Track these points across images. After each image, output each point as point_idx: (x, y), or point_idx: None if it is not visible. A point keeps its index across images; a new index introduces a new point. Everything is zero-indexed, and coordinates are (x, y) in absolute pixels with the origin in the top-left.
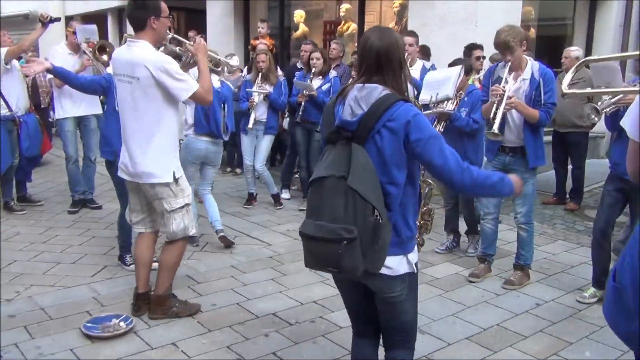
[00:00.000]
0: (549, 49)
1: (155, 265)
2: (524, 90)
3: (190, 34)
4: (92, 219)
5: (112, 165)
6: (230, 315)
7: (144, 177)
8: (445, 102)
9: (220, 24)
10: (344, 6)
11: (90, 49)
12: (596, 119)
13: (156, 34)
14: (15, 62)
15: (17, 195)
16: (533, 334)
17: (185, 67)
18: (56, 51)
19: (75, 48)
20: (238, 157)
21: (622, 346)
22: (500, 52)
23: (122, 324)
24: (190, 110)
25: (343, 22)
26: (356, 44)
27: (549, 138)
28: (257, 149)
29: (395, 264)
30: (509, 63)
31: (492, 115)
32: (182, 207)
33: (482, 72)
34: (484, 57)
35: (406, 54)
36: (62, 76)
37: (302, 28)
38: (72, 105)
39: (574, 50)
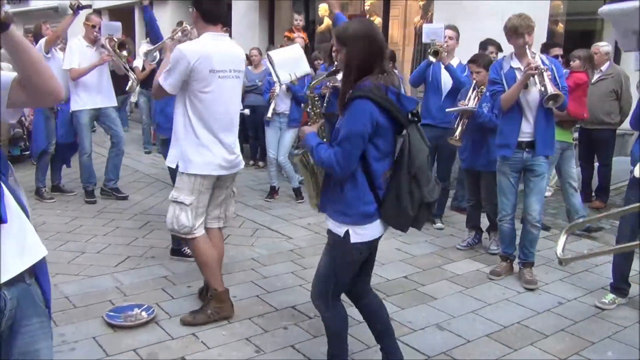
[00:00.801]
0: (578, 44)
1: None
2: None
3: None
4: (117, 209)
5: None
6: (250, 307)
7: (240, 164)
8: (467, 99)
9: (245, 19)
10: (369, 0)
11: (111, 44)
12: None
13: None
14: (55, 51)
15: (51, 185)
16: (554, 333)
17: None
18: (74, 44)
19: (93, 41)
20: (261, 150)
21: None
22: (519, 34)
23: (143, 313)
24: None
25: (368, 15)
26: None
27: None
28: (281, 142)
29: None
30: (526, 48)
31: (539, 87)
32: None
33: None
34: (497, 53)
35: (445, 45)
36: None
37: (327, 22)
38: (88, 98)
39: (604, 46)
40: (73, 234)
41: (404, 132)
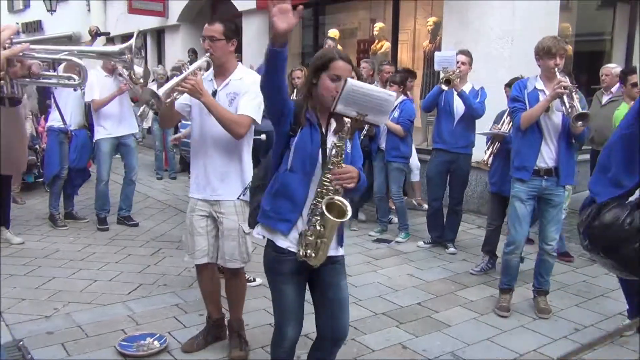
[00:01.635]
0: (587, 65)
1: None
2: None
3: None
4: (129, 236)
5: None
6: (262, 335)
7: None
8: (501, 123)
9: (256, 43)
10: (378, 25)
11: (127, 73)
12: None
13: None
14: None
15: (64, 212)
16: None
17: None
18: (93, 75)
19: (110, 70)
20: None
21: None
22: (552, 55)
23: (156, 343)
24: None
25: (377, 40)
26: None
27: (586, 157)
28: None
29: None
30: (556, 70)
31: (567, 106)
32: None
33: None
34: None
35: (457, 71)
36: None
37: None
38: (112, 126)
39: (614, 67)
40: (86, 262)
41: None
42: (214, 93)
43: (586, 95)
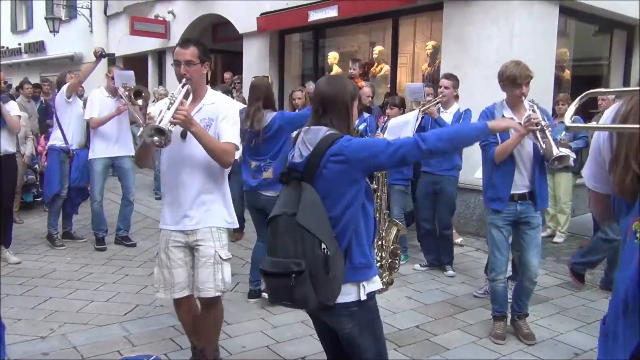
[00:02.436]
0: (585, 89)
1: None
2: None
3: (226, 75)
4: (127, 256)
5: None
6: (259, 358)
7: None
8: None
9: (256, 65)
10: (377, 48)
11: (127, 94)
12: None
13: None
14: (77, 98)
15: (62, 231)
16: None
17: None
18: (95, 94)
19: (113, 92)
20: None
21: None
22: (517, 84)
23: None
24: None
25: (376, 63)
26: (389, 85)
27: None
28: None
29: (344, 290)
30: (522, 99)
31: (541, 143)
32: None
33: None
34: None
35: (440, 96)
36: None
37: (336, 69)
38: (106, 146)
39: None
40: (82, 282)
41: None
42: None
43: (584, 119)
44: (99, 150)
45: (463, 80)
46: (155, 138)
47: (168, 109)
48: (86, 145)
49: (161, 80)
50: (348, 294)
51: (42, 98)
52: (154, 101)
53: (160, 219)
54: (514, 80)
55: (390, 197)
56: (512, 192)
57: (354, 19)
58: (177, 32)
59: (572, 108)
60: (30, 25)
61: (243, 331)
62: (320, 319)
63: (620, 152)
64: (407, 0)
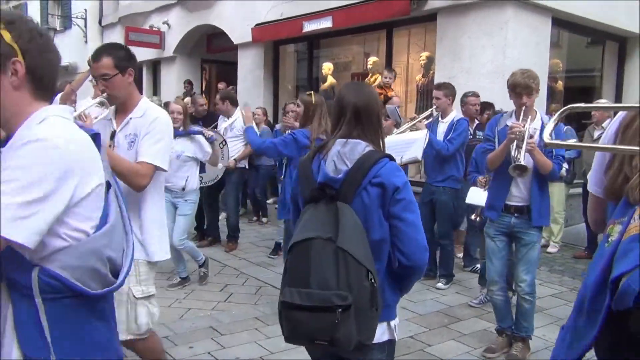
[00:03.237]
0: (578, 100)
1: None
2: (535, 140)
3: (220, 85)
4: None
5: None
6: None
7: None
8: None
9: (251, 75)
10: (372, 59)
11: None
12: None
13: None
14: (70, 107)
15: None
16: None
17: None
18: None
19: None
20: (262, 207)
21: None
22: (517, 93)
23: None
24: None
25: (370, 74)
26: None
27: (579, 190)
28: None
29: (379, 331)
30: (522, 109)
31: (513, 153)
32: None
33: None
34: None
35: (434, 107)
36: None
37: (330, 80)
38: None
39: (605, 103)
40: None
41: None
42: (113, 135)
43: (577, 130)
44: None
45: (457, 91)
46: None
47: None
48: None
49: (156, 91)
50: (382, 333)
51: None
52: None
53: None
54: (513, 89)
55: None
56: (508, 202)
57: (348, 30)
58: (172, 42)
59: (551, 124)
60: None
61: (237, 342)
62: (323, 354)
63: (617, 156)
64: (401, 11)
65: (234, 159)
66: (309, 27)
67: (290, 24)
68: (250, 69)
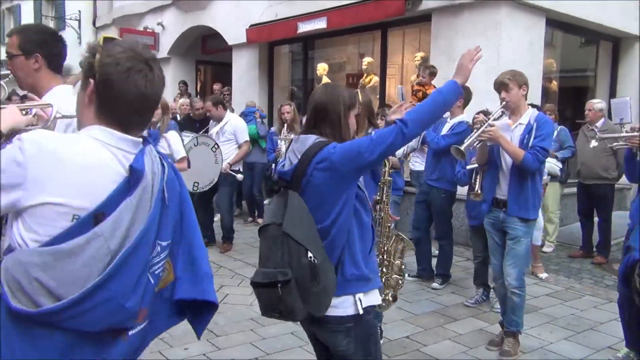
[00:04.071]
0: (572, 100)
1: None
2: (518, 135)
3: (215, 86)
4: None
5: None
6: None
7: None
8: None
9: (246, 76)
10: (366, 59)
11: None
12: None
13: None
14: None
15: None
16: None
17: None
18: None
19: None
20: (259, 207)
21: None
22: (497, 90)
23: None
24: None
25: (365, 75)
26: (378, 96)
27: (573, 190)
28: None
29: (337, 302)
30: (502, 104)
31: (473, 142)
32: None
33: None
34: None
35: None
36: None
37: (325, 80)
38: None
39: (597, 103)
40: None
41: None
42: None
43: (571, 129)
44: None
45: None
46: None
47: None
48: None
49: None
50: (343, 308)
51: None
52: None
53: None
54: (494, 87)
55: None
56: (497, 197)
57: (343, 31)
58: (166, 43)
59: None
60: None
61: (232, 343)
62: (316, 340)
63: None
64: (396, 11)
65: (228, 163)
66: (304, 27)
67: (285, 24)
68: (245, 69)
